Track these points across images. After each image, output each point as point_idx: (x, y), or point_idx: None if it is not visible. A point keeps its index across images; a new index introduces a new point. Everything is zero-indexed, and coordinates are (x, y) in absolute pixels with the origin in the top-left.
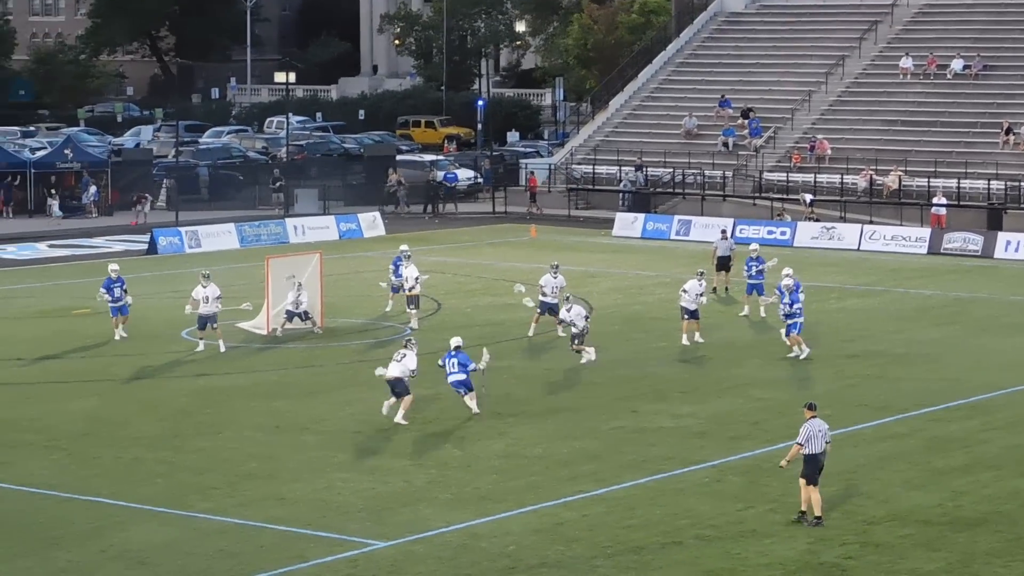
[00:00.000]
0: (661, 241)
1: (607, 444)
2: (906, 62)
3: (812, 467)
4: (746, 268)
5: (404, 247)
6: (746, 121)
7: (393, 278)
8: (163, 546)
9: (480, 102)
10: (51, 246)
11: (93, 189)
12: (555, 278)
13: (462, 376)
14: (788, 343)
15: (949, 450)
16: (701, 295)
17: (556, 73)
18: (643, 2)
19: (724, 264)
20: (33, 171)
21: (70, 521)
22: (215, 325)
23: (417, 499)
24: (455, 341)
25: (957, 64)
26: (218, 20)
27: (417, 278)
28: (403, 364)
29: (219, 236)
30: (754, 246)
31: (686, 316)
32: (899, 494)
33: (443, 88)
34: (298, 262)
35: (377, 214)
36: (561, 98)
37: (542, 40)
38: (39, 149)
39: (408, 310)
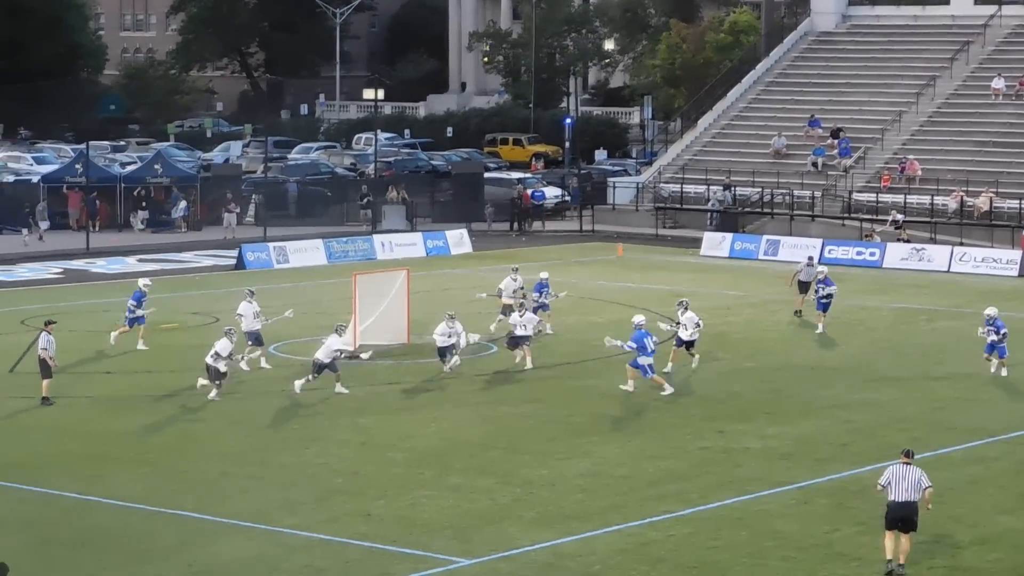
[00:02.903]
0: (749, 261)
1: (693, 464)
2: (998, 83)
3: (892, 514)
4: (815, 291)
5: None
6: (836, 141)
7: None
8: (249, 561)
9: (568, 120)
10: (140, 260)
11: (183, 204)
12: (515, 281)
13: None
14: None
15: None
16: (698, 325)
17: (644, 92)
18: (732, 21)
19: (804, 288)
20: (123, 186)
21: (157, 535)
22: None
23: (502, 517)
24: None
25: None
26: (307, 37)
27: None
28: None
29: (307, 252)
30: (821, 268)
31: (676, 345)
32: (988, 518)
33: (531, 106)
34: (385, 279)
35: (464, 231)
36: (649, 116)
37: (630, 59)
38: (129, 164)
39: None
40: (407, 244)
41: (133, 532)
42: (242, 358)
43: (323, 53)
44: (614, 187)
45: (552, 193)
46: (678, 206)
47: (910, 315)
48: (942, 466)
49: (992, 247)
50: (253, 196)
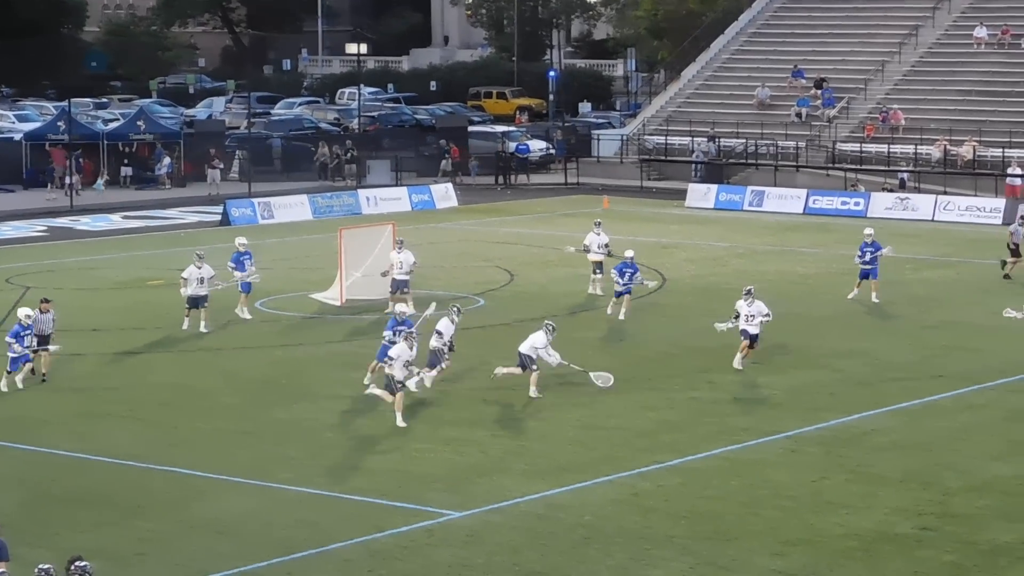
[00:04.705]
0: (734, 212)
1: (684, 415)
2: (980, 32)
3: None
4: (859, 254)
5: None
6: (819, 91)
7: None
8: (243, 516)
9: (552, 73)
10: (125, 217)
11: (167, 161)
12: (400, 253)
13: None
14: None
15: None
16: (766, 316)
17: (628, 44)
18: None
19: (1017, 252)
20: (106, 142)
21: (151, 491)
22: (205, 305)
23: (494, 469)
24: None
25: None
26: None
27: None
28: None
29: (292, 207)
30: (869, 231)
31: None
32: (978, 465)
33: (515, 59)
34: (371, 233)
35: (450, 185)
36: (633, 69)
37: (614, 10)
38: (112, 121)
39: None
40: (392, 199)
41: (127, 488)
42: (419, 373)
43: (306, 7)
44: (599, 140)
45: (537, 146)
46: (663, 158)
47: (897, 264)
48: (932, 414)
49: (976, 196)
50: (237, 152)
